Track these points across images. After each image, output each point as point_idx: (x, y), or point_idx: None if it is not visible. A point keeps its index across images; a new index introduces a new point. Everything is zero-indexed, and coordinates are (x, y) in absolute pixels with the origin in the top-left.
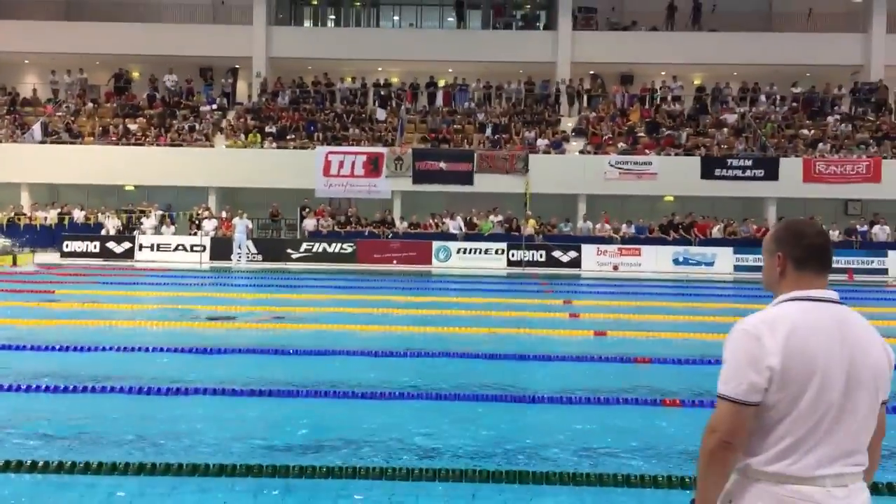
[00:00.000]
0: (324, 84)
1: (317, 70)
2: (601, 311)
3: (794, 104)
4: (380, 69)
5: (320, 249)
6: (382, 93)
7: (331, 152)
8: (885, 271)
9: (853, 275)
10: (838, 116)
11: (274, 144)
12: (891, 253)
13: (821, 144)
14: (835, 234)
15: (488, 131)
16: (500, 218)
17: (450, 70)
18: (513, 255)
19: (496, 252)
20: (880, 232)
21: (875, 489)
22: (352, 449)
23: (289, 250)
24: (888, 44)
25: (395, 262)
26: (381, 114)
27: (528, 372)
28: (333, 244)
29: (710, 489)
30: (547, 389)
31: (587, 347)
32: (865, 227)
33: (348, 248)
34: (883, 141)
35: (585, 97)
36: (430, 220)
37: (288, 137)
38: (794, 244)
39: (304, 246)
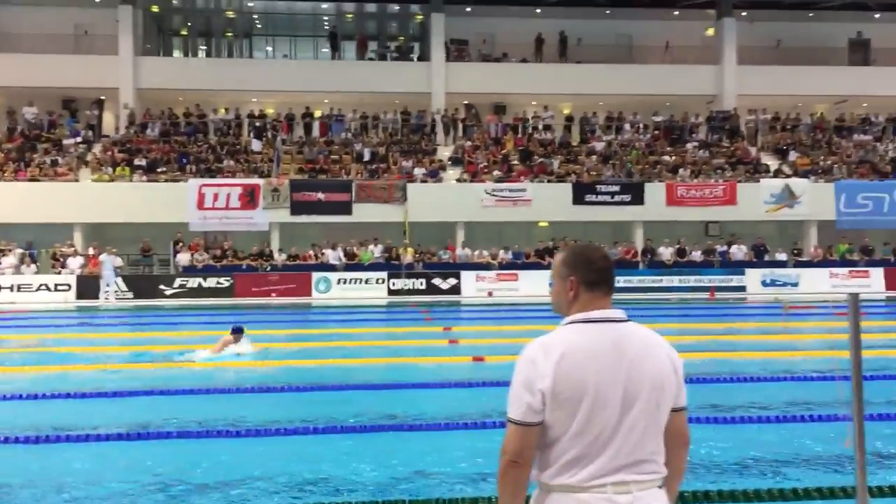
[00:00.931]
0: (196, 115)
1: (188, 101)
2: (479, 337)
3: (656, 132)
4: (254, 100)
5: (195, 284)
6: (257, 124)
7: (204, 185)
8: (743, 288)
9: (714, 293)
10: (696, 143)
11: (144, 178)
12: (748, 271)
13: (681, 170)
14: (697, 255)
15: (367, 156)
16: (379, 247)
17: (325, 101)
18: (393, 284)
19: (377, 281)
20: (738, 251)
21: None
22: (233, 488)
23: (162, 286)
24: (739, 75)
25: (273, 294)
26: (256, 145)
27: (408, 400)
28: (209, 279)
29: None
30: (427, 417)
31: (466, 373)
32: (725, 247)
33: (225, 282)
34: (737, 166)
35: (461, 126)
36: (310, 252)
37: (159, 170)
38: (586, 268)
39: (179, 281)
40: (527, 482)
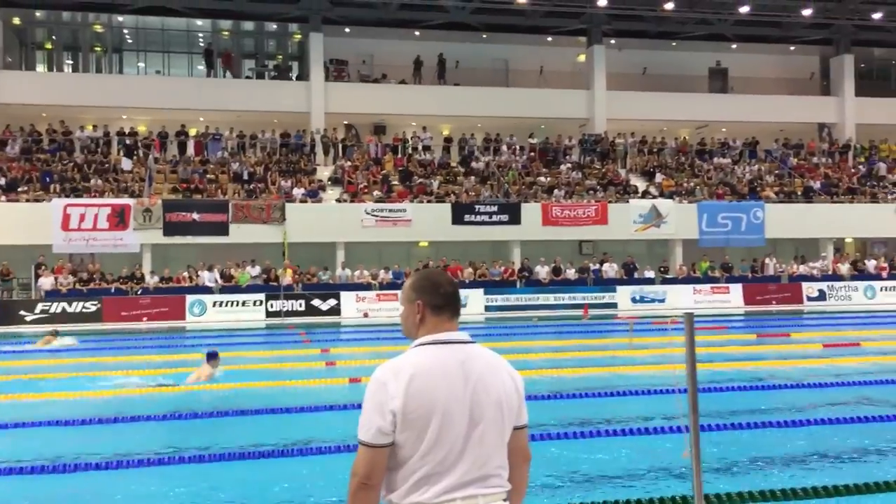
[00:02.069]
0: (60, 132)
1: (52, 118)
2: (357, 358)
3: (532, 153)
4: (124, 117)
5: (59, 309)
6: (128, 142)
7: (70, 205)
8: (614, 305)
9: (588, 309)
10: (570, 165)
11: (3, 198)
12: (619, 288)
13: (556, 191)
14: (571, 273)
15: (244, 176)
16: (257, 268)
17: (201, 119)
18: (271, 306)
19: (254, 303)
20: (609, 269)
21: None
22: None
23: (22, 312)
24: (608, 100)
25: (145, 318)
26: (126, 164)
27: (283, 425)
28: (75, 303)
29: None
30: (302, 440)
31: (342, 395)
32: (597, 266)
33: (92, 306)
34: (608, 187)
35: (340, 146)
36: (184, 274)
37: (19, 190)
38: (433, 292)
39: (41, 306)
40: (377, 503)
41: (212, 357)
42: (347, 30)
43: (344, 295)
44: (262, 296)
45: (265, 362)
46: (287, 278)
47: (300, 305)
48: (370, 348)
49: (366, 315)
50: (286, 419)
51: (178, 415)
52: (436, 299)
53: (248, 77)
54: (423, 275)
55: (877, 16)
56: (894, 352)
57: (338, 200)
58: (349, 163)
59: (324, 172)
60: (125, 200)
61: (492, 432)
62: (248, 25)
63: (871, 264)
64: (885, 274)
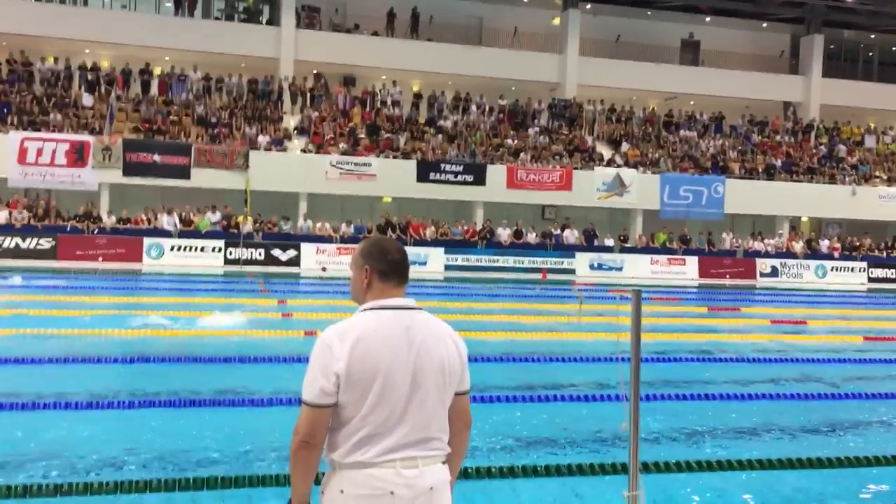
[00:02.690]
0: (20, 63)
1: (12, 47)
2: (315, 311)
3: (501, 115)
4: (87, 51)
5: (13, 245)
6: (90, 77)
7: (27, 138)
8: (573, 271)
9: (546, 273)
10: (538, 129)
11: None
12: (578, 254)
13: (522, 154)
14: (532, 237)
15: (209, 120)
16: (218, 215)
17: (166, 58)
18: (230, 254)
19: (213, 250)
20: (570, 235)
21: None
22: (55, 459)
23: None
24: (580, 65)
25: (101, 259)
26: (87, 99)
27: (239, 374)
28: (29, 239)
29: (299, 484)
30: (260, 392)
31: (297, 347)
32: (558, 231)
33: (46, 243)
34: (574, 153)
35: (308, 96)
36: (142, 216)
37: None
38: (380, 259)
39: None
40: (318, 462)
41: None
42: None
43: (304, 246)
44: (221, 242)
45: (221, 310)
46: (248, 226)
47: (259, 254)
48: (328, 301)
49: (324, 269)
50: (238, 369)
51: (130, 359)
52: (383, 265)
53: (216, 18)
54: (372, 241)
55: None
56: (839, 331)
57: (303, 150)
58: (316, 113)
59: (290, 121)
60: (85, 137)
61: (433, 397)
62: None
63: (824, 244)
64: (836, 254)
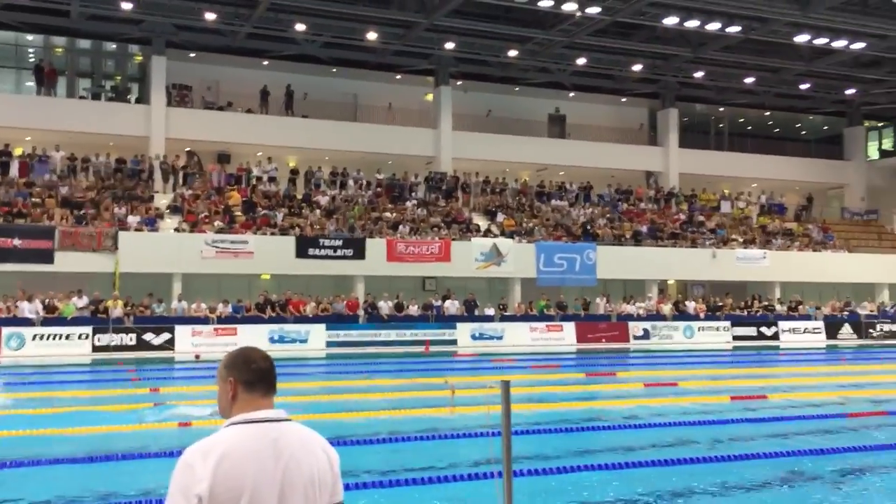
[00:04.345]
0: None
1: None
2: (190, 398)
3: (379, 189)
4: None
5: None
6: None
7: None
8: (454, 342)
9: (429, 345)
10: (415, 202)
11: None
12: (459, 325)
13: (401, 227)
14: (414, 309)
15: (74, 201)
16: (84, 300)
17: (28, 138)
18: (98, 340)
19: (80, 337)
20: (451, 306)
21: None
22: None
23: None
24: (454, 139)
25: None
26: None
27: (106, 474)
28: None
29: None
30: (129, 493)
31: (170, 441)
32: (440, 302)
33: None
34: (452, 225)
35: (181, 174)
36: (1, 304)
37: None
38: (244, 368)
39: None
40: None
41: None
42: (192, 55)
43: (179, 328)
44: (88, 329)
45: (88, 403)
46: (117, 310)
47: (131, 339)
48: (204, 387)
49: (197, 357)
50: (104, 468)
51: None
52: (247, 375)
53: (82, 97)
54: (237, 351)
55: (698, 74)
56: (707, 391)
57: (176, 230)
58: (190, 191)
59: (162, 200)
60: None
61: None
62: (85, 44)
63: (690, 305)
64: (702, 314)
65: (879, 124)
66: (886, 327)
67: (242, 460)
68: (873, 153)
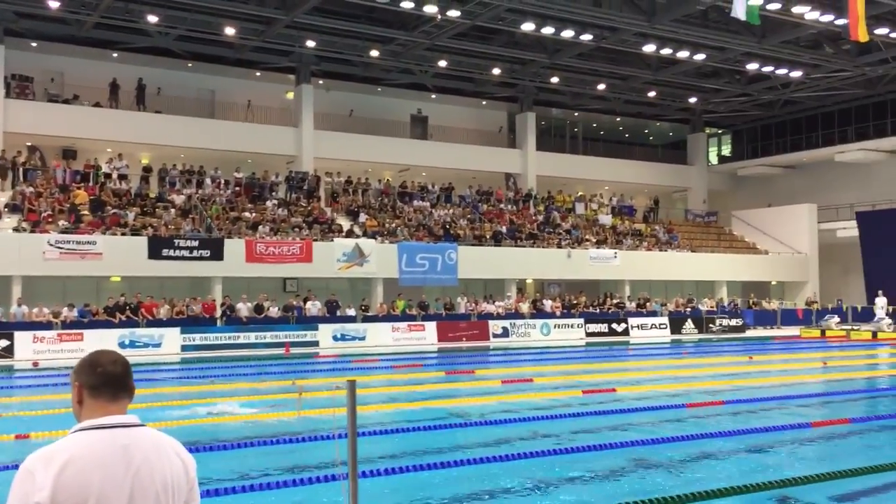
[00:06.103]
0: None
1: None
2: (29, 409)
3: (238, 188)
4: None
5: None
6: None
7: None
8: (316, 343)
9: (290, 348)
10: (276, 201)
11: None
12: (321, 326)
13: (261, 227)
14: (275, 311)
15: None
16: None
17: None
18: None
19: None
20: (312, 307)
21: None
22: None
23: None
24: (316, 139)
25: None
26: None
27: None
28: None
29: None
30: None
31: (6, 454)
32: (301, 304)
33: None
34: (314, 225)
35: (21, 171)
36: None
37: None
38: (89, 373)
39: None
40: None
41: None
42: (34, 44)
43: (18, 335)
44: None
45: None
46: None
47: None
48: (44, 396)
49: (36, 365)
50: None
51: None
52: (92, 379)
53: None
54: (87, 356)
55: (554, 80)
56: (561, 386)
57: (15, 229)
58: (31, 189)
59: (0, 198)
60: None
61: None
62: None
63: (547, 304)
64: (558, 312)
65: (719, 131)
66: (725, 322)
67: (88, 467)
68: (714, 159)
